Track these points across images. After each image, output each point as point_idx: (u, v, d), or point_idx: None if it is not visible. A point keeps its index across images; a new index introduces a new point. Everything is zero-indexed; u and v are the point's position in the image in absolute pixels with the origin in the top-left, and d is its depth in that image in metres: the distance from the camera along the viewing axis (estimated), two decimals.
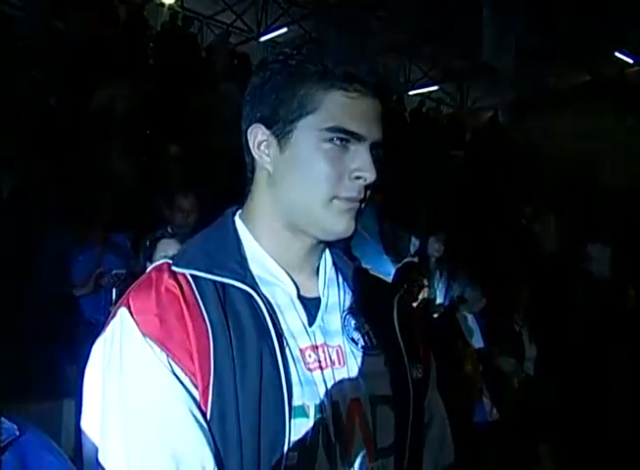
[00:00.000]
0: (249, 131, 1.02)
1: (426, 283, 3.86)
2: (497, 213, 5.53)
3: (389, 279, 3.74)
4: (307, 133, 0.97)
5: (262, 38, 15.23)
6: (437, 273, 4.85)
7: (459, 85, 17.20)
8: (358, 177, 0.98)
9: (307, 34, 17.26)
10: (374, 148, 1.00)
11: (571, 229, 7.10)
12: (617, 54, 12.79)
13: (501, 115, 14.29)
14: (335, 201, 0.97)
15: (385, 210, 5.55)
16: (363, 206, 1.01)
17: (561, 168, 10.10)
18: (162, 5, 12.89)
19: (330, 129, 0.96)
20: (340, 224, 0.99)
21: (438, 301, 4.79)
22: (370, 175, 0.98)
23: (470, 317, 4.45)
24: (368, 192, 1.01)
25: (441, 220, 5.75)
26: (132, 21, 7.79)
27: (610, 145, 11.08)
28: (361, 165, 0.97)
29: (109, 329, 0.93)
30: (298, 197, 0.98)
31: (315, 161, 0.96)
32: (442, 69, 15.82)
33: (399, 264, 4.27)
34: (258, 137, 1.01)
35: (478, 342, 4.40)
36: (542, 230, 7.10)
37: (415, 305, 3.80)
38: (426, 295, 3.88)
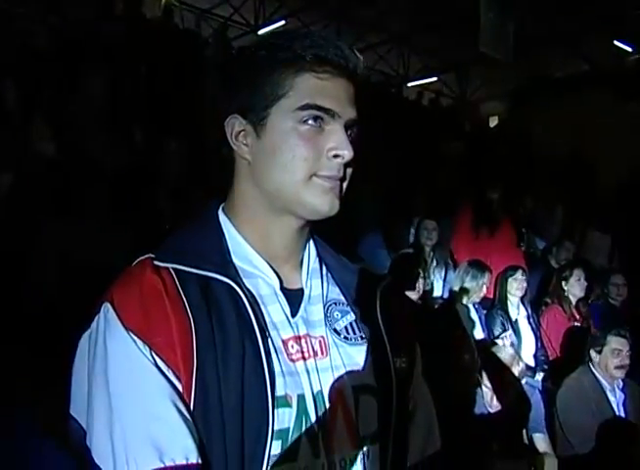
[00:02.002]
0: (226, 123, 1.03)
1: (421, 273, 3.86)
2: (493, 202, 5.52)
3: (385, 271, 3.75)
4: (282, 117, 0.98)
5: (260, 31, 15.19)
6: (434, 262, 4.86)
7: (458, 76, 17.15)
8: (336, 156, 0.99)
9: (305, 26, 17.34)
10: (349, 127, 1.01)
11: (571, 218, 7.11)
12: (615, 43, 12.74)
13: (500, 104, 14.27)
14: (314, 179, 0.98)
15: (384, 201, 5.55)
16: (345, 185, 1.03)
17: (560, 159, 10.10)
18: None
19: (303, 107, 0.97)
20: (323, 203, 1.00)
21: (437, 291, 4.80)
22: (347, 153, 0.99)
23: (471, 308, 4.46)
24: (348, 170, 1.02)
25: (436, 208, 5.75)
26: (129, 15, 7.79)
27: (609, 134, 11.07)
28: (337, 144, 0.99)
29: (93, 324, 0.94)
30: (279, 179, 0.99)
31: (292, 142, 0.97)
32: (441, 59, 15.76)
33: (395, 256, 4.28)
34: (235, 128, 1.02)
35: (478, 332, 4.41)
36: (544, 219, 7.11)
37: (414, 295, 3.80)
38: (422, 286, 3.88)
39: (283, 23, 15.92)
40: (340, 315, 1.08)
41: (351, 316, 1.09)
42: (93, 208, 3.64)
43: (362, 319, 1.09)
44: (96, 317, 0.94)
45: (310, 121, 0.98)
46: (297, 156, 0.97)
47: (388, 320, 1.10)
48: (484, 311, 4.61)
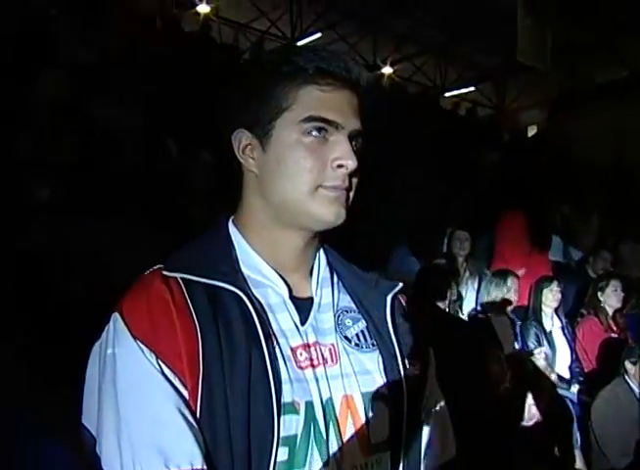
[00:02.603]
0: (232, 137, 1.05)
1: (451, 284, 3.83)
2: (532, 211, 5.45)
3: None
4: (286, 129, 1.00)
5: (297, 44, 15.28)
6: (467, 273, 4.82)
7: (495, 85, 17.01)
8: (340, 166, 1.00)
9: (341, 39, 17.42)
10: (353, 137, 1.02)
11: (608, 227, 6.97)
12: None
13: (539, 113, 14.08)
14: (320, 190, 1.00)
15: (415, 210, 5.53)
16: (351, 194, 1.04)
17: (600, 166, 9.93)
18: (198, 14, 13.05)
19: (306, 120, 0.99)
20: (329, 213, 1.01)
21: (469, 301, 4.76)
22: (351, 163, 1.00)
23: (515, 321, 4.39)
24: (354, 180, 1.04)
25: (470, 218, 5.70)
26: (169, 31, 7.93)
27: None
28: (341, 154, 1.00)
29: (103, 334, 0.97)
30: (285, 191, 1.01)
31: (297, 154, 0.99)
32: (478, 69, 15.65)
33: (420, 268, 4.26)
34: (242, 142, 1.04)
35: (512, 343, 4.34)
36: (581, 228, 6.99)
37: (443, 306, 3.78)
38: (453, 296, 3.84)
39: (319, 35, 16.03)
40: (351, 323, 1.09)
41: (362, 324, 1.10)
42: (128, 212, 3.72)
43: (373, 326, 1.10)
44: (106, 327, 0.97)
45: (314, 133, 0.99)
46: (302, 167, 0.99)
47: (399, 327, 1.11)
48: (519, 323, 4.55)
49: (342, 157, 1.00)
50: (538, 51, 11.55)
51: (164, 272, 0.99)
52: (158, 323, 0.93)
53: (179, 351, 0.92)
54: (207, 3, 13.66)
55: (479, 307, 4.68)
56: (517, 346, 4.30)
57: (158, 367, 0.91)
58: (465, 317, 4.40)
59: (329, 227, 1.04)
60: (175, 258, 1.04)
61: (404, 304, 1.18)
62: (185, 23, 11.38)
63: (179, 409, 0.90)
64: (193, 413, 0.92)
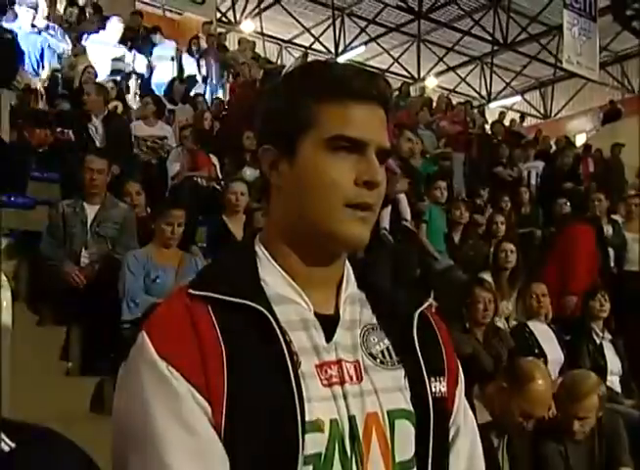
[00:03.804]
0: (260, 153, 1.05)
1: (492, 298, 3.75)
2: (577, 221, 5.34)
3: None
4: (312, 147, 0.99)
5: (340, 58, 15.39)
6: (511, 286, 4.73)
7: (542, 94, 16.81)
8: (367, 183, 0.99)
9: (385, 51, 17.47)
10: (380, 153, 1.01)
11: None
12: None
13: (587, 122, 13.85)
14: (346, 208, 0.99)
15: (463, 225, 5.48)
16: (376, 211, 1.03)
17: None
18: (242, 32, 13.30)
19: (332, 139, 0.98)
20: (352, 235, 1.00)
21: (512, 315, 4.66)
22: (378, 179, 0.99)
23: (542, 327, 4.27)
24: (381, 198, 1.02)
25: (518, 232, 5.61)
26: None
27: None
28: (367, 170, 0.98)
29: (131, 352, 0.98)
30: (309, 209, 1.00)
31: (322, 171, 0.98)
32: (524, 78, 15.50)
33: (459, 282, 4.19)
34: (269, 157, 1.04)
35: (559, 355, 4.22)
36: (632, 239, 6.81)
37: (484, 320, 3.72)
38: (494, 310, 3.76)
39: (363, 49, 16.12)
40: (376, 340, 1.07)
41: (388, 341, 1.09)
42: None
43: (399, 343, 1.08)
44: (133, 346, 0.98)
45: (340, 151, 0.99)
46: (328, 185, 0.98)
47: (425, 344, 1.09)
48: (567, 337, 4.45)
49: (369, 174, 0.99)
50: (585, 59, 11.39)
51: (190, 290, 1.00)
52: (182, 342, 0.93)
53: (203, 369, 0.92)
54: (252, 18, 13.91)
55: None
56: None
57: (183, 384, 0.92)
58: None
59: (351, 248, 1.03)
60: (201, 277, 1.04)
61: (432, 320, 1.16)
62: (229, 43, 11.65)
63: (204, 424, 0.91)
64: (217, 431, 0.92)
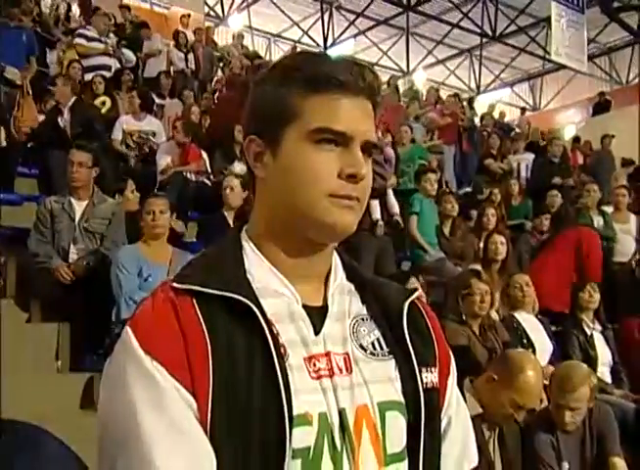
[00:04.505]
0: (245, 144, 1.04)
1: (489, 290, 3.75)
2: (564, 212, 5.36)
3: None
4: (296, 138, 0.98)
5: (329, 52, 15.36)
6: (501, 278, 4.73)
7: (531, 87, 16.84)
8: (350, 175, 0.98)
9: (374, 45, 17.47)
10: (364, 146, 1.00)
11: None
12: None
13: (576, 113, 13.88)
14: (330, 199, 0.98)
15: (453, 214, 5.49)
16: (363, 204, 1.01)
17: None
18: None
19: (316, 131, 0.97)
20: (338, 223, 0.98)
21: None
22: (361, 173, 0.98)
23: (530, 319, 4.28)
24: (365, 189, 1.01)
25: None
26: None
27: None
28: (351, 163, 0.97)
29: (115, 347, 0.97)
30: (294, 200, 0.98)
31: (305, 163, 0.97)
32: (512, 71, 15.52)
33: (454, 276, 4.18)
34: (254, 149, 1.03)
35: (549, 347, 4.24)
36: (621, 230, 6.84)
37: (481, 312, 3.72)
38: (490, 302, 3.76)
39: (352, 42, 16.09)
40: (366, 331, 1.07)
41: (378, 332, 1.08)
42: None
43: (389, 334, 1.08)
44: (118, 341, 0.97)
45: (324, 143, 0.98)
46: (312, 176, 0.97)
47: (415, 335, 1.08)
48: (552, 328, 4.47)
49: (353, 166, 0.98)
50: (573, 50, 11.40)
51: (175, 284, 0.99)
52: (165, 336, 0.92)
53: (187, 363, 0.91)
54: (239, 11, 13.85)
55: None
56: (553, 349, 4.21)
57: (168, 379, 0.91)
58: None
59: (337, 238, 1.02)
60: (186, 270, 1.03)
61: (423, 309, 1.15)
62: (218, 37, 11.58)
63: (189, 420, 0.90)
64: (202, 425, 0.91)
